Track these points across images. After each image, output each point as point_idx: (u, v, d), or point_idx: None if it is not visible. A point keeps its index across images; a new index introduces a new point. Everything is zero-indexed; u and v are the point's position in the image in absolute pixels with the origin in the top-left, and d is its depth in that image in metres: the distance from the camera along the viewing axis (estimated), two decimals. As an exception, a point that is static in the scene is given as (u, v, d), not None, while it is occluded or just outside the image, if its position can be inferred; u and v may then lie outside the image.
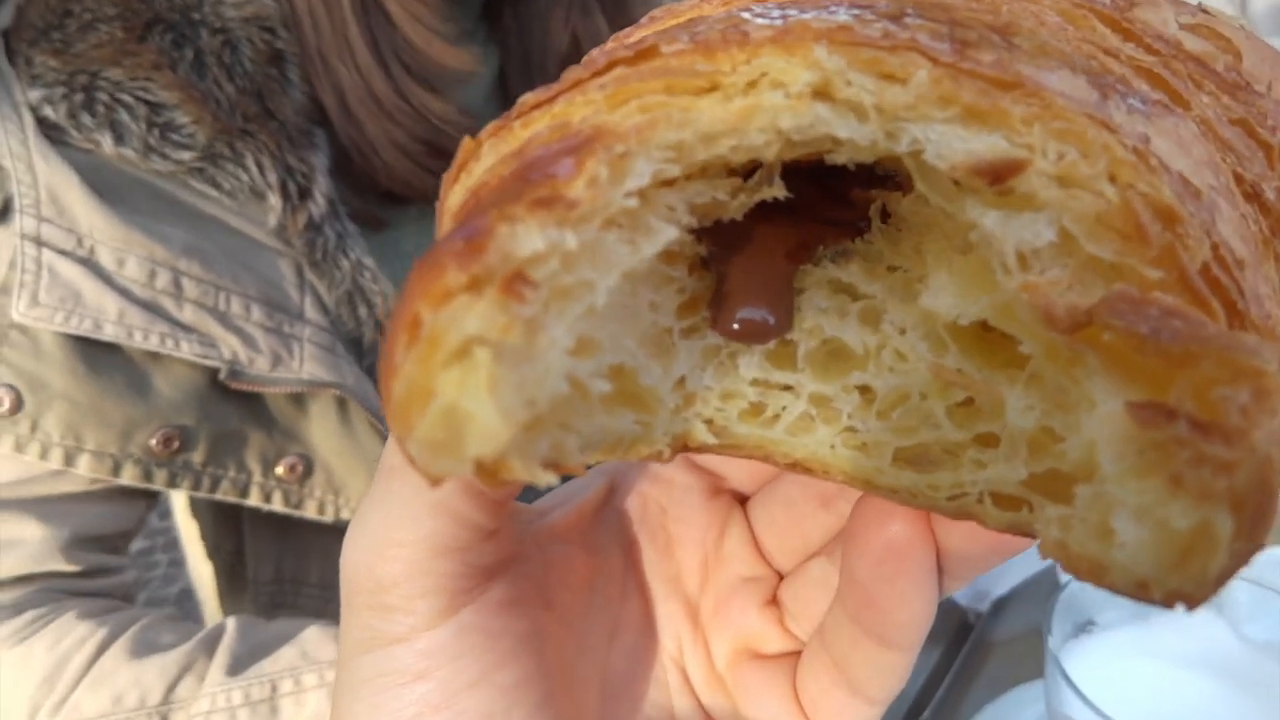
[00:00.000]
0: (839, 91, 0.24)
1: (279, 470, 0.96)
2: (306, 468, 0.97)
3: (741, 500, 0.43)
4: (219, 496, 0.94)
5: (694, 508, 0.42)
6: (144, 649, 0.87)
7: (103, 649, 0.86)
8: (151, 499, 0.99)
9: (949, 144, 0.23)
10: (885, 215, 0.32)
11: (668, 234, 0.26)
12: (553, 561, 0.39)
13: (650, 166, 0.24)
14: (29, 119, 0.85)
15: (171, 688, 0.85)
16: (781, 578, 0.42)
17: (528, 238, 0.22)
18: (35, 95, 0.85)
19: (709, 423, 0.33)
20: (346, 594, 0.34)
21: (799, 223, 0.32)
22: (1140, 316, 0.21)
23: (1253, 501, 0.20)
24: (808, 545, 0.40)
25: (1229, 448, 0.20)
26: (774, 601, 0.41)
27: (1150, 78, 0.28)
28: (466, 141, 0.28)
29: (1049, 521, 0.26)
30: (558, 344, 0.23)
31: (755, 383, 0.33)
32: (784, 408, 0.33)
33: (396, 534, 0.32)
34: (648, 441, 0.31)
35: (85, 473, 0.86)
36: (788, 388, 0.33)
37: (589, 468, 0.32)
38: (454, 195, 0.29)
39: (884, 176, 0.31)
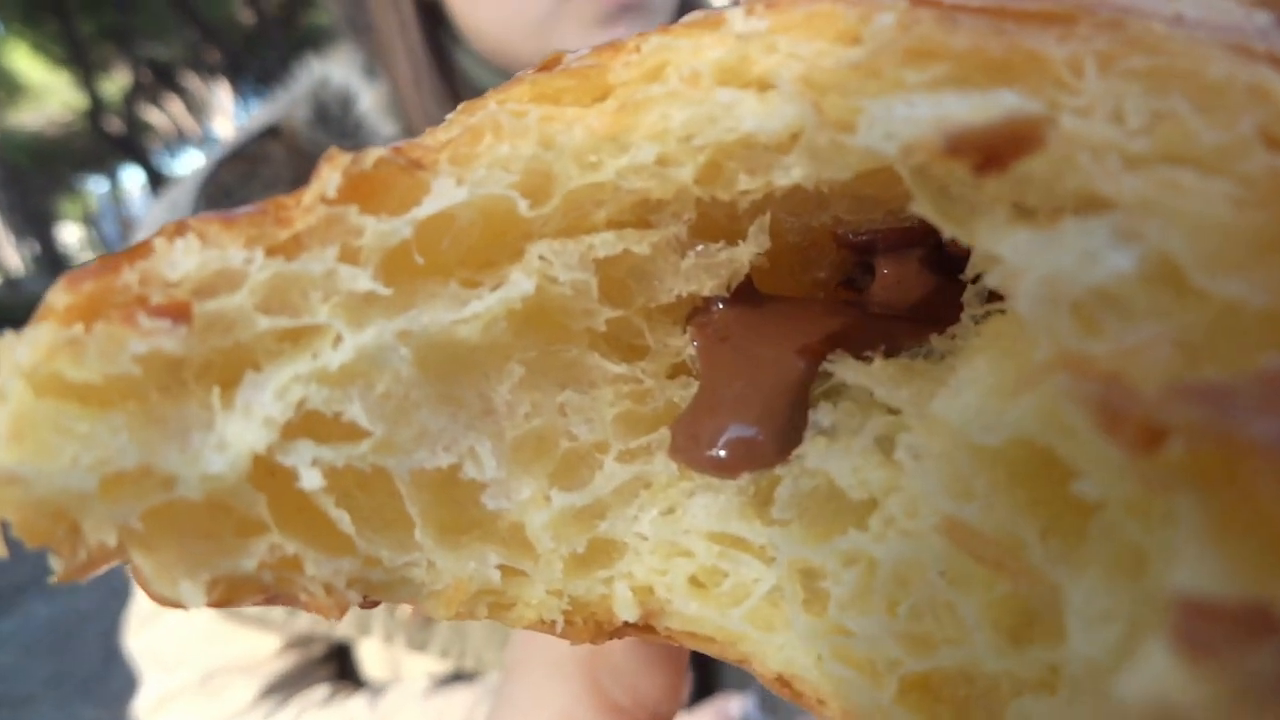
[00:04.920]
0: (754, 66, 0.15)
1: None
2: None
3: None
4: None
5: None
6: None
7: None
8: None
9: (912, 113, 0.13)
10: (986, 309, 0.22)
11: (518, 289, 0.19)
12: None
13: (458, 191, 0.17)
14: None
15: None
16: None
17: (185, 255, 0.17)
18: None
19: (645, 590, 0.21)
20: None
21: (843, 308, 0.23)
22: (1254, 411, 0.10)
23: None
24: None
25: None
26: None
27: None
28: None
29: None
30: (255, 410, 0.18)
31: (713, 537, 0.21)
32: (756, 580, 0.21)
33: None
34: (525, 601, 0.22)
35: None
36: (770, 557, 0.21)
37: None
38: None
39: None
